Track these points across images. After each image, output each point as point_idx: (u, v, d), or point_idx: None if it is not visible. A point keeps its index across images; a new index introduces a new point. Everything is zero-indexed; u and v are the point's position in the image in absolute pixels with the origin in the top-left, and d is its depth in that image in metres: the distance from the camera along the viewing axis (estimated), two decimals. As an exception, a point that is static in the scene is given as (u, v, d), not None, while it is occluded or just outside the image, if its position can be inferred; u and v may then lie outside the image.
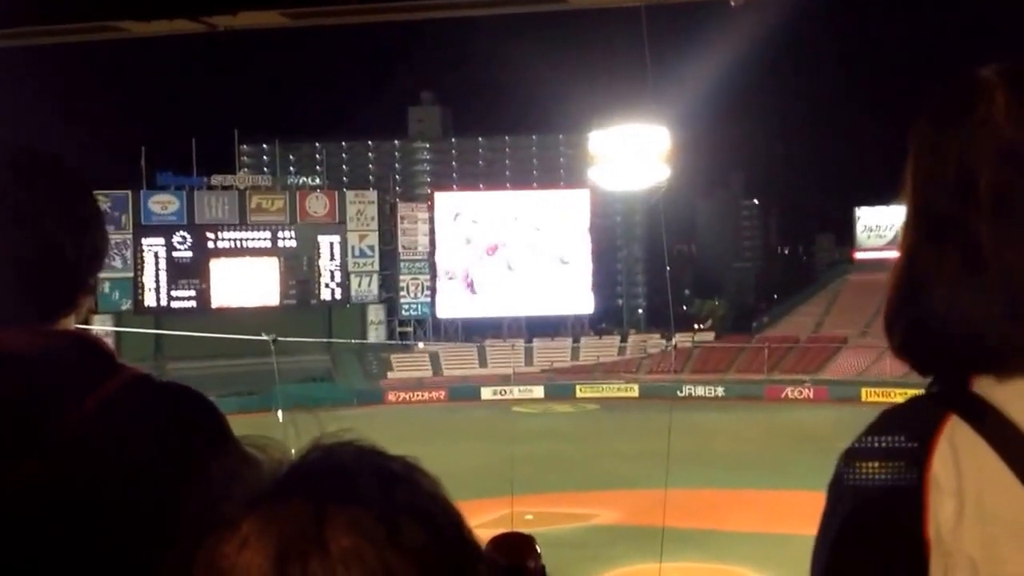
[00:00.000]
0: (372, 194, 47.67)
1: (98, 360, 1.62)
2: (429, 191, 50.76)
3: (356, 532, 0.78)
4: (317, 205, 44.65)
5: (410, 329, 48.08)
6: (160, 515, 1.34)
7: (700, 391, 41.31)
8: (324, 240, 45.22)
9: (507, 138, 48.55)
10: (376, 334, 46.45)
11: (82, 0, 3.14)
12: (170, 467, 1.44)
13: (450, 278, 46.73)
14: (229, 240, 45.40)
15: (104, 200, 45.43)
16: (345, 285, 46.56)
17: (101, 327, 42.88)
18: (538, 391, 41.60)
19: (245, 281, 44.97)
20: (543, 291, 46.64)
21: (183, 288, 45.88)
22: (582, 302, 47.20)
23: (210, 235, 45.33)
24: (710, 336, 50.18)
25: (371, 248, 46.55)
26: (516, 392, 41.59)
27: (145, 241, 45.44)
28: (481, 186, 51.19)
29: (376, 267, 46.80)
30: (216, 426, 1.57)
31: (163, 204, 46.23)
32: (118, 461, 1.50)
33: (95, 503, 1.45)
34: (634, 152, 41.11)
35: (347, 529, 0.78)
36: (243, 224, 45.58)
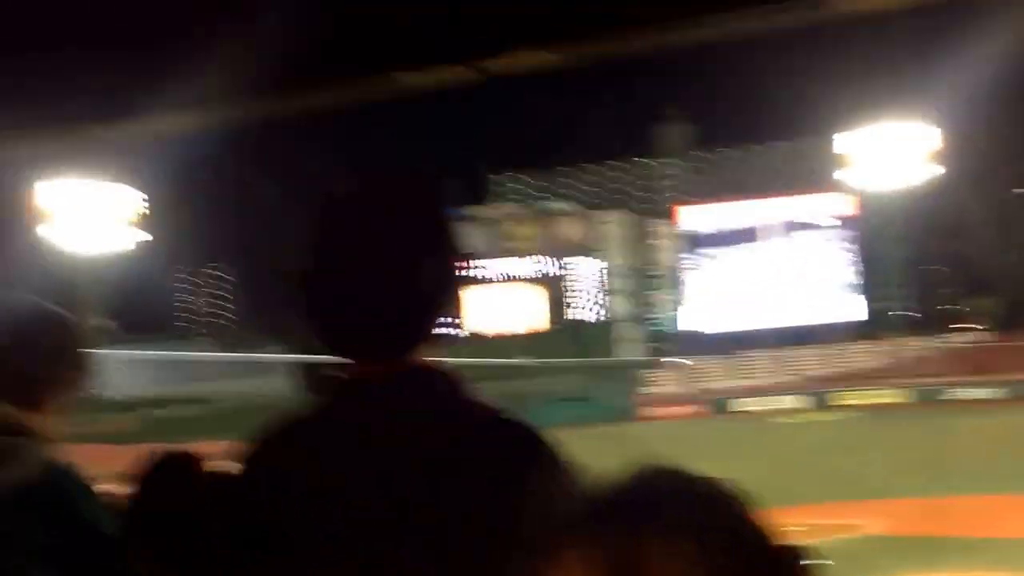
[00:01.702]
0: (622, 214, 48.33)
1: (445, 387, 1.70)
2: (674, 207, 50.91)
3: (674, 558, 0.81)
4: (569, 229, 45.61)
5: (664, 345, 48.22)
6: (491, 533, 1.61)
7: (977, 393, 39.28)
8: (577, 262, 46.18)
9: (753, 148, 47.92)
10: (630, 351, 46.77)
11: (361, 55, 3.48)
12: (503, 487, 1.69)
13: (702, 291, 46.66)
14: (486, 268, 47.22)
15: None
16: (598, 305, 47.28)
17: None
18: (799, 400, 40.71)
19: (502, 307, 46.52)
20: (798, 298, 45.78)
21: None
22: (840, 307, 45.92)
23: (466, 264, 46.64)
24: (984, 335, 47.67)
25: (623, 267, 47.05)
26: (776, 402, 40.87)
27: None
28: (729, 197, 50.77)
29: (628, 286, 47.29)
30: (545, 450, 1.65)
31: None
32: (458, 482, 1.59)
33: (434, 520, 1.54)
34: (891, 151, 39.45)
35: (666, 556, 0.82)
36: (499, 252, 47.31)
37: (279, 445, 1.69)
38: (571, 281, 46.24)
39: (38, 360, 2.20)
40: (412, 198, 1.64)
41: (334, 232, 1.63)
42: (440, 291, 1.58)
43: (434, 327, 1.60)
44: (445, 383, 1.65)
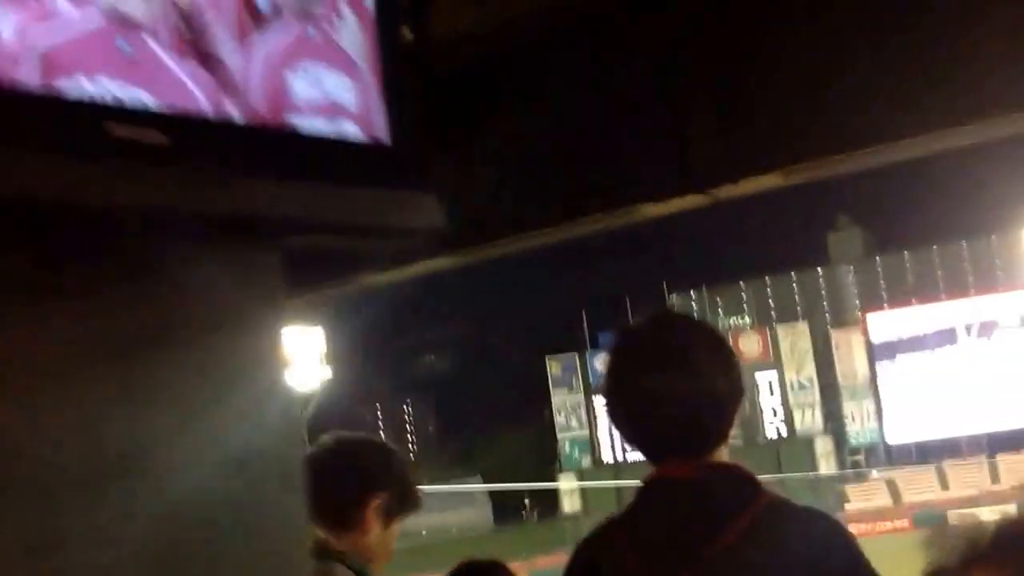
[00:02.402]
0: (803, 325, 47.71)
1: (746, 485, 1.91)
2: (860, 314, 50.08)
3: None
4: (750, 343, 45.24)
5: (861, 457, 46.86)
6: None
7: None
8: (762, 377, 45.59)
9: (934, 248, 46.78)
10: (826, 465, 45.49)
11: (605, 193, 3.82)
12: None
13: (899, 399, 45.37)
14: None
15: (556, 365, 49.54)
16: (788, 420, 46.37)
17: (567, 484, 45.83)
18: (1011, 510, 38.64)
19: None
20: (1002, 402, 44.04)
21: (632, 440, 47.45)
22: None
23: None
24: None
25: (809, 380, 46.16)
26: (987, 513, 38.94)
27: (596, 400, 48.37)
28: (914, 301, 49.67)
29: (817, 398, 46.33)
30: (849, 548, 1.83)
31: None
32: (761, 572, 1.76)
33: None
34: None
35: None
36: (680, 371, 46.89)
37: (602, 547, 2.01)
38: (759, 396, 45.65)
39: (352, 483, 2.46)
40: (703, 327, 2.03)
41: (644, 350, 2.04)
42: (732, 400, 1.96)
43: (728, 432, 1.97)
44: (747, 478, 1.92)
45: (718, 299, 54.21)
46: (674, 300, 60.43)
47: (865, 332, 45.25)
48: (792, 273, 55.20)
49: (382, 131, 1.60)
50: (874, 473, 45.07)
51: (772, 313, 55.42)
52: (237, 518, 1.63)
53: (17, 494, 1.41)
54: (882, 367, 45.12)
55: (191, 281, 1.64)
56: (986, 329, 44.05)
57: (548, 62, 3.30)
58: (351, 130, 1.56)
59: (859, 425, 46.29)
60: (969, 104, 3.70)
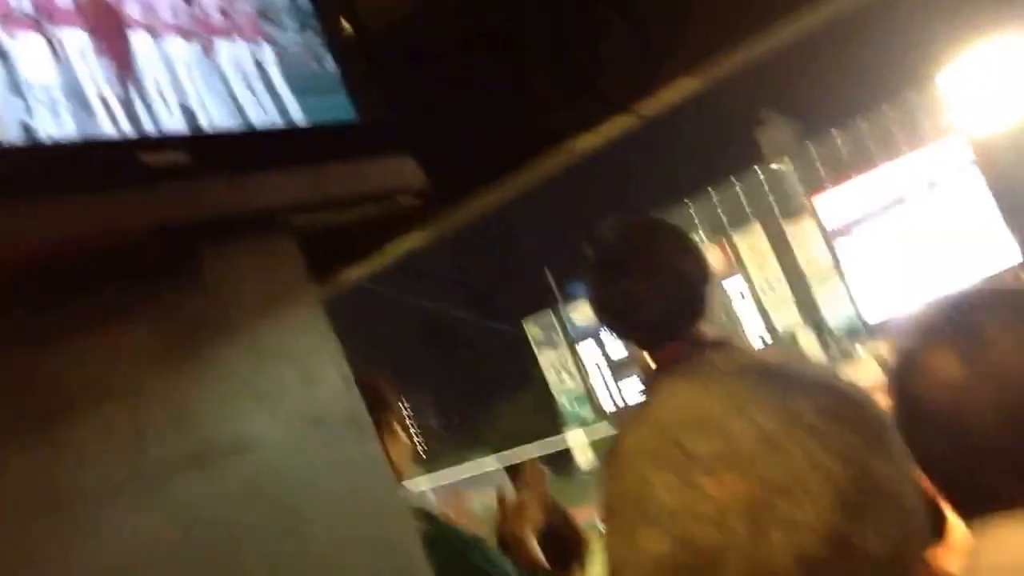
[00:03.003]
0: (756, 226, 48.50)
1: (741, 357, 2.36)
2: (808, 202, 50.68)
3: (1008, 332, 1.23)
4: (710, 257, 45.50)
5: (845, 341, 47.68)
6: None
7: None
8: (731, 286, 46.22)
9: (861, 123, 47.47)
10: (812, 355, 46.17)
11: (532, 138, 3.94)
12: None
13: (866, 276, 46.11)
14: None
15: (535, 327, 50.13)
16: (767, 321, 47.09)
17: (575, 440, 46.31)
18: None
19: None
20: (967, 254, 44.47)
21: (629, 380, 48.34)
22: (996, 255, 44.62)
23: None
24: None
25: (776, 278, 46.97)
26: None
27: (581, 350, 48.75)
28: (852, 174, 50.37)
29: (788, 293, 47.12)
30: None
31: (584, 313, 49.55)
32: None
33: None
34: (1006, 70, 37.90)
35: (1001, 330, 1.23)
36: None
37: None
38: (735, 306, 46.08)
39: None
40: (658, 223, 2.36)
41: (628, 247, 2.34)
42: (701, 280, 2.26)
43: (705, 309, 2.29)
44: (742, 350, 2.27)
45: (669, 218, 54.27)
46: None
47: (814, 215, 45.74)
48: (732, 178, 55.84)
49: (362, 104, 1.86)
50: (859, 349, 45.74)
51: (724, 222, 56.07)
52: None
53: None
54: (841, 246, 45.80)
55: (227, 279, 1.90)
56: (930, 183, 44.67)
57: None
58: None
59: (835, 310, 46.91)
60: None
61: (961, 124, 39.64)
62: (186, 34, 1.58)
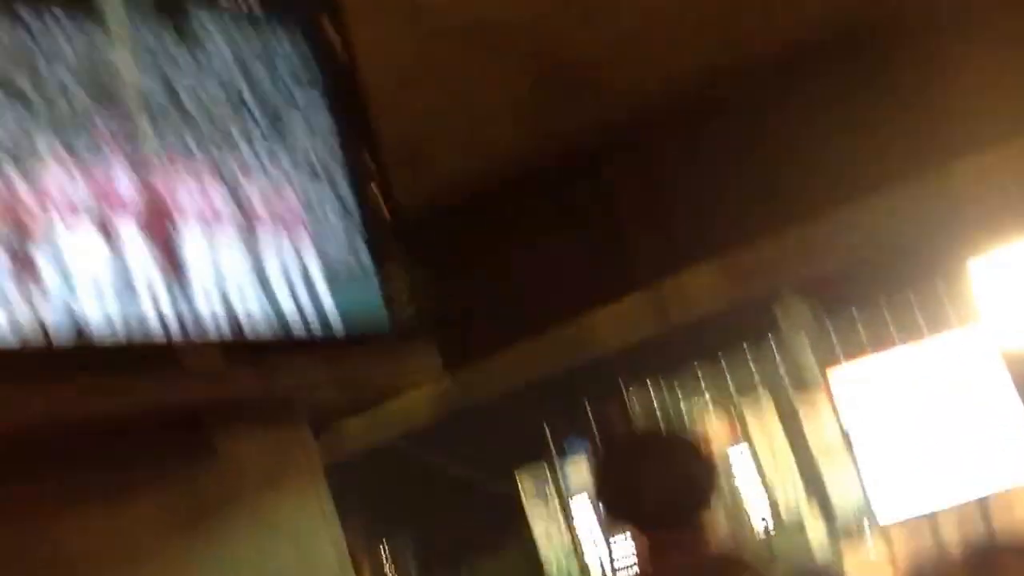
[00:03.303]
0: (765, 395, 48.18)
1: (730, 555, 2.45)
2: (819, 374, 50.33)
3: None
4: (715, 423, 45.35)
5: (854, 532, 46.88)
6: None
7: None
8: (735, 454, 45.74)
9: (883, 301, 47.69)
10: (820, 548, 45.25)
11: (564, 309, 4.13)
12: None
13: (878, 462, 45.32)
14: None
15: (527, 479, 49.44)
16: (771, 501, 46.50)
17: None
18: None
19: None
20: (988, 455, 43.74)
21: (620, 539, 47.45)
22: None
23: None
24: None
25: (783, 449, 46.53)
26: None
27: (572, 504, 47.89)
28: (869, 351, 50.28)
29: (794, 466, 46.55)
30: None
31: (578, 468, 49.20)
32: None
33: None
34: None
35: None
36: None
37: None
38: (737, 481, 45.54)
39: None
40: (680, 436, 2.50)
41: (643, 452, 2.48)
42: (709, 478, 2.40)
43: (709, 503, 2.43)
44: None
45: (675, 383, 54.49)
46: (631, 393, 60.69)
47: (827, 389, 45.25)
48: (744, 345, 55.67)
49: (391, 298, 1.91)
50: (866, 531, 44.83)
51: (732, 389, 55.59)
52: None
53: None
54: (853, 423, 45.01)
55: (245, 458, 1.94)
56: (952, 369, 44.05)
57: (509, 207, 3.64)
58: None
59: (843, 489, 46.21)
60: (880, 171, 4.11)
61: (989, 315, 39.53)
62: (230, 222, 1.65)
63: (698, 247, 4.23)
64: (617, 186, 4.31)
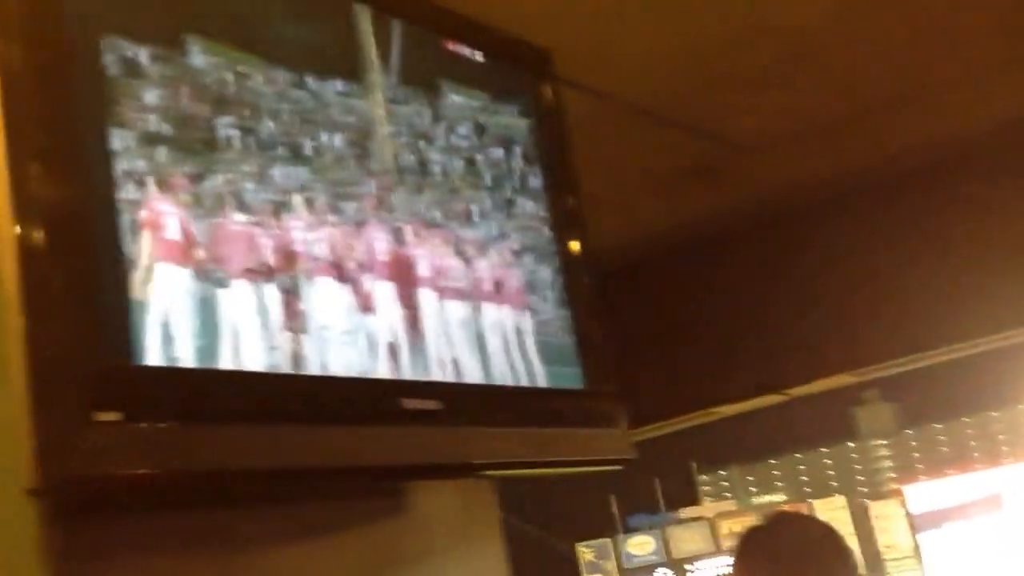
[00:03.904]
0: (840, 500, 47.08)
1: None
2: (895, 486, 49.32)
3: None
4: (786, 520, 44.52)
5: (909, 634, 45.56)
6: None
7: None
8: (801, 555, 44.85)
9: (965, 419, 46.57)
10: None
11: (690, 398, 4.22)
12: None
13: (944, 571, 44.26)
14: (708, 568, 46.39)
15: (588, 551, 49.16)
16: (832, 598, 45.41)
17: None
18: None
19: None
20: (1049, 571, 42.72)
21: (674, 622, 46.97)
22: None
23: (688, 567, 46.70)
24: None
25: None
26: None
27: (631, 583, 47.65)
28: (949, 471, 49.23)
29: (863, 571, 45.46)
30: None
31: (640, 545, 48.68)
32: None
33: None
34: None
35: None
36: (717, 551, 46.58)
37: None
38: (798, 575, 44.57)
39: None
40: (824, 526, 2.37)
41: (776, 550, 2.34)
42: None
43: None
44: None
45: (749, 476, 53.66)
46: (704, 479, 59.89)
47: (903, 504, 44.47)
48: (822, 448, 54.71)
49: (590, 376, 1.97)
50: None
51: (806, 488, 54.52)
52: None
53: None
54: (927, 537, 44.02)
55: (427, 511, 1.98)
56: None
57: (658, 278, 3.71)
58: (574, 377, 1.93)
59: (905, 601, 45.02)
60: (1007, 316, 4.09)
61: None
62: (463, 296, 1.72)
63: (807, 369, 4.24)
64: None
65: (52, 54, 1.34)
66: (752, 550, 2.33)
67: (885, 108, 3.60)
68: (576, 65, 2.22)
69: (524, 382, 1.85)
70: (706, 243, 4.19)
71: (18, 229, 1.29)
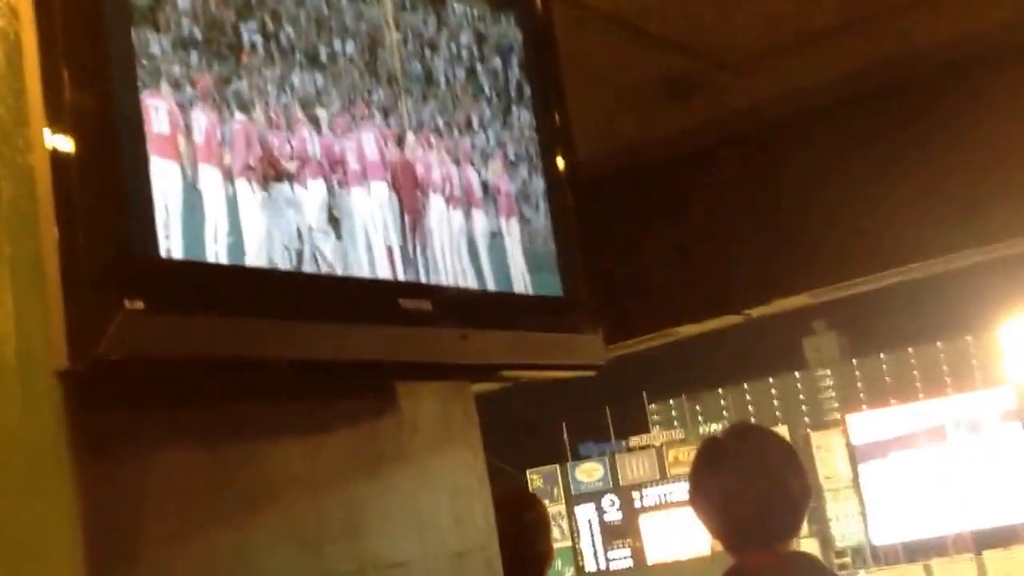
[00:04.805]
0: (782, 428, 47.87)
1: (821, 571, 2.30)
2: (839, 416, 50.46)
3: None
4: (731, 449, 45.18)
5: (848, 559, 46.74)
6: None
7: None
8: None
9: (910, 349, 47.53)
10: (815, 570, 45.20)
11: (650, 316, 4.26)
12: None
13: (882, 501, 45.53)
14: (654, 496, 47.38)
15: (537, 477, 49.93)
16: (774, 524, 46.31)
17: (555, 597, 45.55)
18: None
19: (674, 534, 46.24)
20: (988, 499, 44.09)
21: (618, 548, 47.95)
22: (1031, 504, 43.99)
23: (635, 494, 47.59)
24: None
25: (793, 483, 46.32)
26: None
27: (577, 509, 48.66)
28: (893, 401, 50.34)
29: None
30: None
31: (588, 472, 49.61)
32: None
33: None
34: None
35: None
36: (664, 479, 47.54)
37: None
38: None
39: None
40: (775, 436, 2.50)
41: (724, 455, 2.46)
42: (803, 499, 2.36)
43: (799, 527, 2.39)
44: (820, 565, 2.32)
45: (697, 406, 54.63)
46: (654, 408, 61.02)
47: (845, 434, 45.38)
48: (769, 379, 55.85)
49: (569, 284, 2.07)
50: (861, 574, 44.82)
51: (752, 419, 55.52)
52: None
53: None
54: (867, 468, 45.14)
55: (412, 411, 2.09)
56: (973, 426, 44.16)
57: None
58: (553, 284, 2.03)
59: (844, 527, 46.16)
60: (964, 236, 4.21)
61: (1013, 377, 39.83)
62: (462, 203, 1.81)
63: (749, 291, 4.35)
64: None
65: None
66: (711, 461, 2.46)
67: (864, 20, 3.67)
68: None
69: (512, 288, 1.94)
70: (676, 161, 4.26)
71: (50, 132, 1.37)
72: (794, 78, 4.05)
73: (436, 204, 1.79)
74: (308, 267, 1.59)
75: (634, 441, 52.67)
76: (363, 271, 1.69)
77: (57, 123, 1.37)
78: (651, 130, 4.00)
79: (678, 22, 3.57)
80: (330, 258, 1.62)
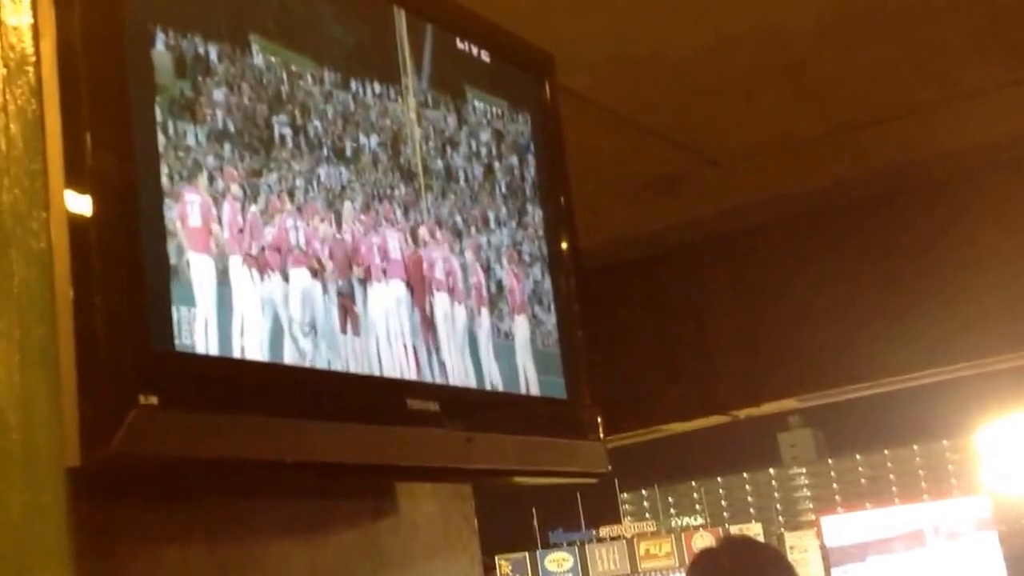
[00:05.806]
0: (756, 527, 47.59)
1: None
2: (813, 517, 50.13)
3: None
4: (703, 544, 44.95)
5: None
6: None
7: None
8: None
9: (886, 451, 47.49)
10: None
11: (637, 414, 4.29)
12: None
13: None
14: (624, 589, 46.85)
15: (506, 564, 49.22)
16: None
17: None
18: None
19: None
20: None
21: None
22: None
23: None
24: None
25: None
26: None
27: (546, 600, 48.00)
28: (868, 505, 50.02)
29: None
30: None
31: (558, 562, 48.98)
32: None
33: None
34: None
35: None
36: (635, 572, 47.00)
37: None
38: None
39: None
40: (771, 549, 2.53)
41: (722, 570, 2.48)
42: None
43: None
44: None
45: (670, 498, 54.26)
46: (625, 497, 60.55)
47: (819, 535, 44.98)
48: (744, 474, 55.56)
49: (573, 386, 2.05)
50: None
51: (725, 514, 55.28)
52: None
53: None
54: (840, 572, 44.53)
55: (412, 513, 2.05)
56: (951, 534, 43.71)
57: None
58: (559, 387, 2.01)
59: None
60: (945, 353, 4.22)
61: (989, 485, 39.63)
62: (472, 299, 1.80)
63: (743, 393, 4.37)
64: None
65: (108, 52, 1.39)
66: (702, 573, 2.46)
67: (854, 128, 3.73)
68: (558, 67, 2.31)
69: (518, 388, 1.93)
70: (665, 255, 4.29)
71: (70, 217, 1.35)
72: (782, 181, 4.11)
73: (448, 302, 1.78)
74: (321, 363, 1.57)
75: (605, 531, 52.17)
76: (374, 369, 1.67)
77: (78, 208, 1.35)
78: (639, 224, 4.03)
79: (673, 118, 3.62)
80: (344, 355, 1.60)
